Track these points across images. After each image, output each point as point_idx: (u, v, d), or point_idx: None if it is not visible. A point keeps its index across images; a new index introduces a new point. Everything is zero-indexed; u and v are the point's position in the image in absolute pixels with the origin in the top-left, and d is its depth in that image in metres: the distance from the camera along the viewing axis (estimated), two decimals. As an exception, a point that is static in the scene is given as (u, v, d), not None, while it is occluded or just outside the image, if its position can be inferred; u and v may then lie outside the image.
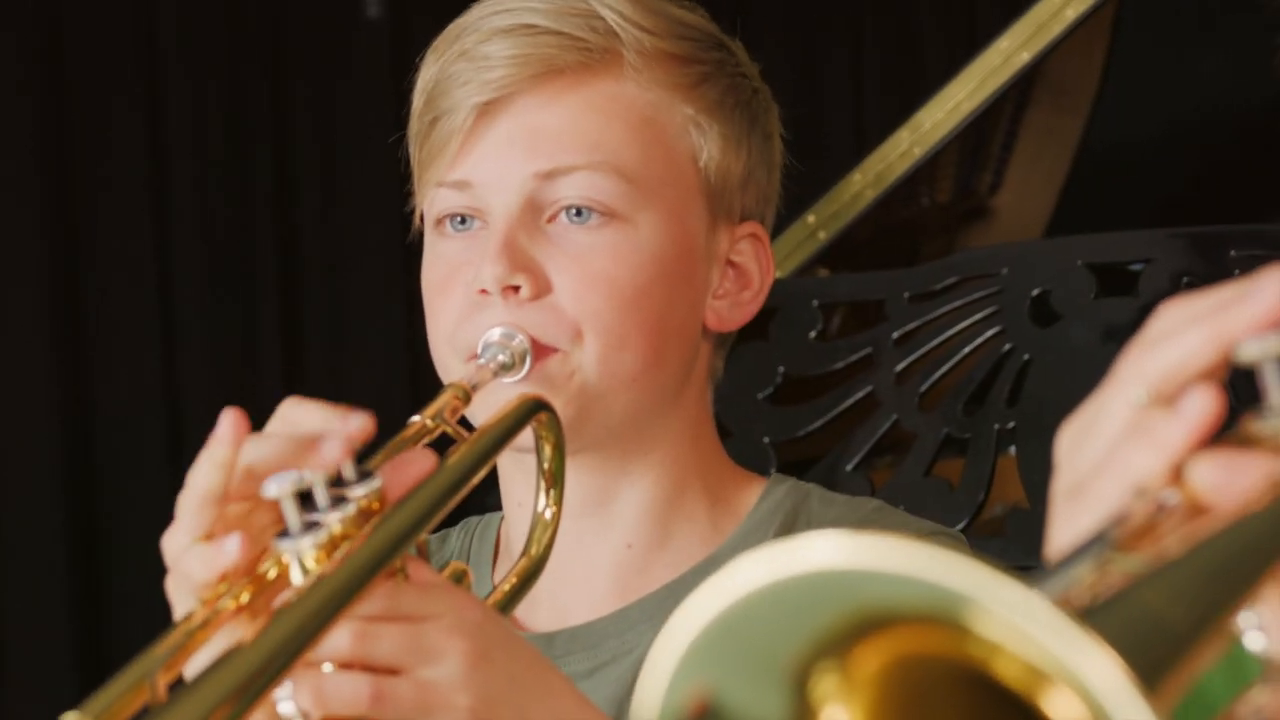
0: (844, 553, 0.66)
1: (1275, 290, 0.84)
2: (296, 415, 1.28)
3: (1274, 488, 0.79)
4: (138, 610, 3.63)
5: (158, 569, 1.25)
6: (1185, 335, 0.87)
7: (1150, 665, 0.64)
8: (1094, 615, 0.67)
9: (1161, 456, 0.84)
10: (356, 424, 1.24)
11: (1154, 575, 0.72)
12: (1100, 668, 0.62)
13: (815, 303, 2.46)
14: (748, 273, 1.58)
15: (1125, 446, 0.86)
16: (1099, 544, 0.78)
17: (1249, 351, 0.84)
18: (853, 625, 0.69)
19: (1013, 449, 2.28)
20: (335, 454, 1.22)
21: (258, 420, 1.28)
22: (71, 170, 3.78)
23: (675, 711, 0.70)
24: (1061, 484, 0.90)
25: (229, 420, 1.23)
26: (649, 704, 0.70)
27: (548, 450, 1.44)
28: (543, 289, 1.47)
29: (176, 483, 1.26)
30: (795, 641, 0.70)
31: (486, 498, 1.60)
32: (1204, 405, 0.84)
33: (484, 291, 1.47)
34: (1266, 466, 0.81)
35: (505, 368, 1.45)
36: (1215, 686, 0.80)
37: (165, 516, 1.25)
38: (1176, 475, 0.83)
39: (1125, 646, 0.63)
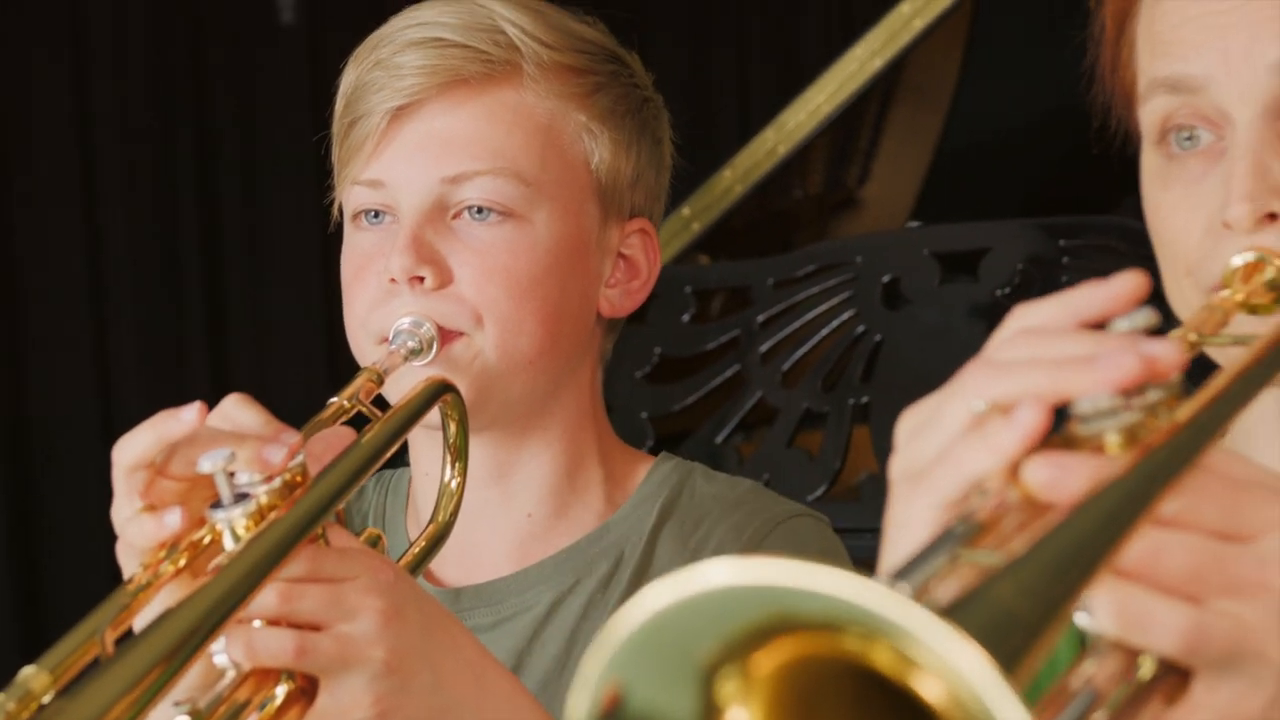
0: (737, 573, 0.73)
1: (1118, 363, 0.91)
2: (237, 415, 1.37)
3: (1099, 484, 0.85)
4: (71, 590, 3.68)
5: (90, 557, 1.35)
6: (1029, 377, 0.93)
7: (1008, 654, 0.72)
8: (957, 612, 0.74)
9: (997, 457, 0.91)
10: (290, 441, 1.34)
11: (1004, 573, 0.78)
12: (970, 661, 0.70)
13: (688, 289, 2.59)
14: (637, 264, 1.70)
15: (963, 445, 0.93)
16: (949, 540, 0.85)
17: (1083, 408, 0.92)
18: (750, 634, 0.76)
19: (867, 421, 2.42)
20: (278, 459, 1.32)
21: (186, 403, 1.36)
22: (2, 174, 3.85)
23: (593, 704, 0.77)
24: (899, 466, 0.97)
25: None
26: (576, 706, 0.78)
27: (453, 427, 1.56)
28: (446, 279, 1.59)
29: (108, 465, 1.36)
30: (701, 651, 0.76)
31: (397, 458, 1.73)
32: (1035, 416, 0.91)
33: (394, 281, 1.59)
34: (1090, 465, 0.87)
35: (414, 353, 1.57)
36: (1060, 654, 0.89)
37: (97, 501, 1.36)
38: (1013, 475, 0.90)
39: (987, 640, 0.70)
